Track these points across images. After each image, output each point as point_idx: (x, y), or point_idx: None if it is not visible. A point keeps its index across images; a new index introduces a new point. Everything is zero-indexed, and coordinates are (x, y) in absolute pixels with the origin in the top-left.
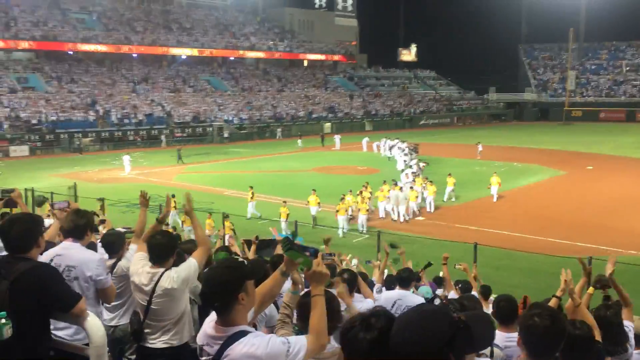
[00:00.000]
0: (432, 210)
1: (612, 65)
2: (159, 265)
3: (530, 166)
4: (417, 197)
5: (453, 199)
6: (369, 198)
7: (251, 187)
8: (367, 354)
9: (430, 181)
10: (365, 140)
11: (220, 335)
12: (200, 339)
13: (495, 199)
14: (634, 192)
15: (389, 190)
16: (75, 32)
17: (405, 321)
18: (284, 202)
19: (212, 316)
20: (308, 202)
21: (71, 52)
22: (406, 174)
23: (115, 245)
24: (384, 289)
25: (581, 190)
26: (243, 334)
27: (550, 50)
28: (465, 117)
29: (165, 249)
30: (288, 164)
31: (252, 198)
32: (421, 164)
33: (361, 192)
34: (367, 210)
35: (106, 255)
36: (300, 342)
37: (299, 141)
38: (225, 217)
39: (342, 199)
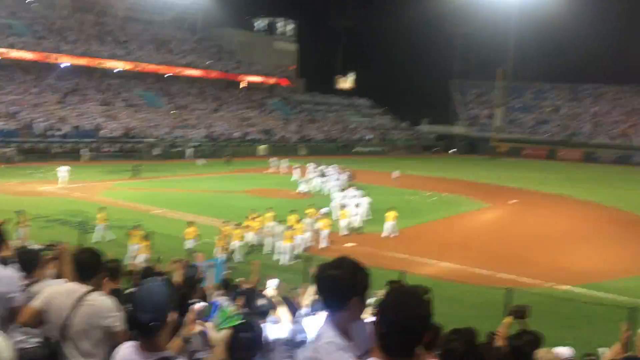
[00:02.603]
0: (326, 244)
1: (536, 105)
2: (85, 282)
3: (457, 197)
4: (304, 231)
5: (346, 232)
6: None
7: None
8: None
9: (325, 214)
10: (284, 162)
11: None
12: None
13: (384, 234)
14: (555, 226)
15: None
16: (1, 37)
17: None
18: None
19: (127, 343)
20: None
21: None
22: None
23: (31, 263)
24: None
25: (504, 223)
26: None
27: (479, 86)
28: (398, 147)
29: (90, 266)
30: (220, 185)
31: (18, 224)
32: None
33: (239, 224)
34: (226, 249)
35: (20, 273)
36: None
37: (199, 161)
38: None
39: (222, 232)
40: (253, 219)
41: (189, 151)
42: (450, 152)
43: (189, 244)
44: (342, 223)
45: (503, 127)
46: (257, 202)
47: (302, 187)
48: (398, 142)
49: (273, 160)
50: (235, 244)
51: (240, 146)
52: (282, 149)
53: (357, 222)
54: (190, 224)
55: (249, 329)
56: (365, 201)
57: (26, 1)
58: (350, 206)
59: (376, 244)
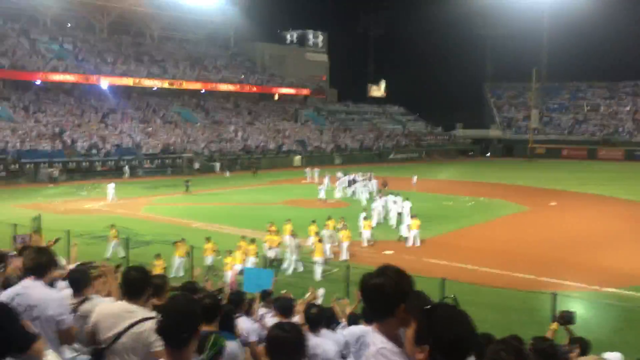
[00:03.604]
0: (347, 257)
1: (574, 105)
2: (134, 300)
3: (496, 201)
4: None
5: (371, 243)
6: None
7: None
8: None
9: (345, 225)
10: (316, 171)
11: None
12: None
13: (410, 243)
14: (596, 228)
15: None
16: (44, 61)
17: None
18: (252, 240)
19: None
20: (205, 249)
21: (39, 82)
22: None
23: (80, 282)
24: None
25: (544, 226)
26: None
27: (514, 89)
28: (433, 152)
29: (139, 284)
30: (258, 197)
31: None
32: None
33: (254, 240)
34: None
35: (70, 292)
36: None
37: (227, 173)
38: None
39: (239, 247)
40: (270, 232)
41: (217, 165)
42: (487, 155)
43: (209, 260)
44: (365, 234)
45: (540, 129)
46: (294, 212)
47: (322, 195)
48: (433, 147)
49: (308, 171)
50: (250, 259)
51: (276, 157)
52: (318, 158)
53: (404, 231)
54: (207, 239)
55: (285, 328)
56: (407, 206)
57: (67, 26)
58: (393, 212)
59: (414, 251)
